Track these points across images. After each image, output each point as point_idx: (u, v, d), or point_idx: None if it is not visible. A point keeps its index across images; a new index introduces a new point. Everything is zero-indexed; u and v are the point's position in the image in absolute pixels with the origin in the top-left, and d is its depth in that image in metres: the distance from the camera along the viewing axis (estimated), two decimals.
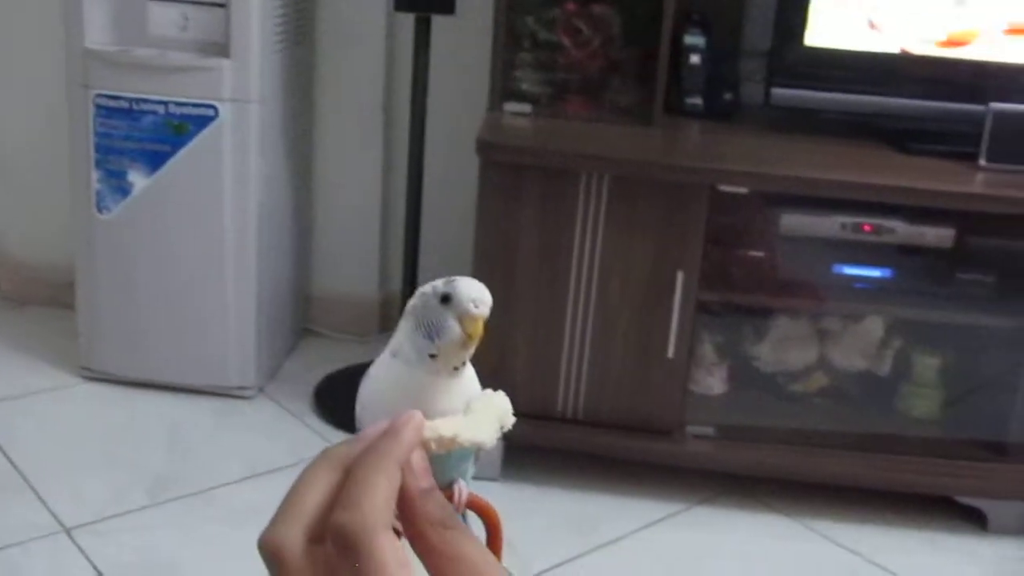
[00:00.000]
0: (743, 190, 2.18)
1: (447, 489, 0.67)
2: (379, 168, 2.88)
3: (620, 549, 2.19)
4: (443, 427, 0.59)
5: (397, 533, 0.49)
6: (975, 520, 2.33)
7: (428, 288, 0.64)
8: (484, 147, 2.19)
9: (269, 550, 0.49)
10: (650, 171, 2.19)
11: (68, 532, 2.10)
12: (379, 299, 2.98)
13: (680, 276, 2.20)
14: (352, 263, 2.95)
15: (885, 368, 2.42)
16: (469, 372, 0.66)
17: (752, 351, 2.44)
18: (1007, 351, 2.35)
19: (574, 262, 2.22)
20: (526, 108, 2.40)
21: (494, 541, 0.72)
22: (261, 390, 2.66)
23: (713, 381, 2.42)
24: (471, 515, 0.69)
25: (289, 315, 2.82)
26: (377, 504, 0.47)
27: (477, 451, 0.66)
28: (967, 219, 2.25)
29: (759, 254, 2.34)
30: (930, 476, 2.32)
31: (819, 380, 2.45)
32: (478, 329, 0.62)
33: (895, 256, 2.33)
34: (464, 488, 0.68)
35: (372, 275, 2.96)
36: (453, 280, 0.63)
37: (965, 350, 2.41)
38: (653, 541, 2.22)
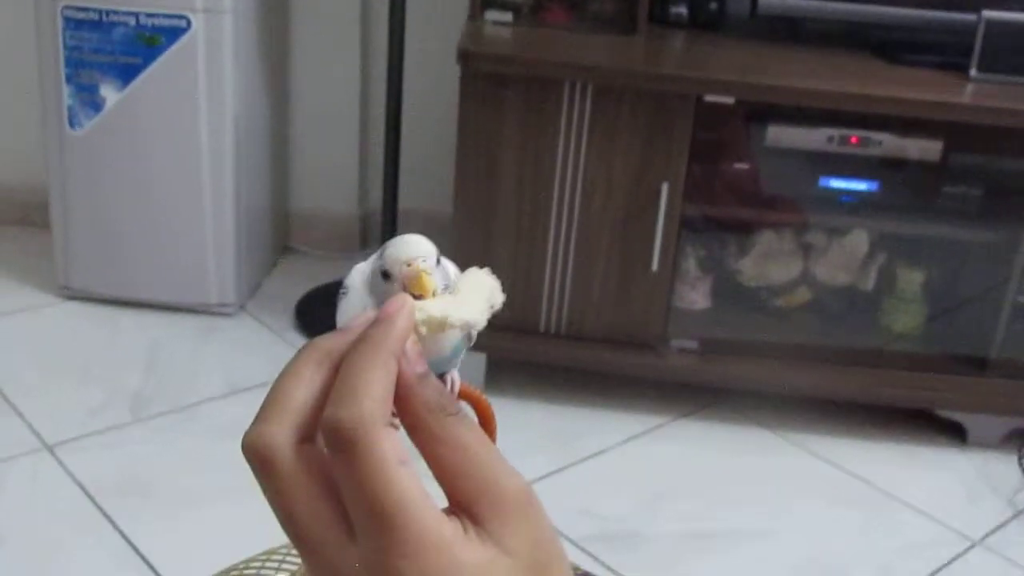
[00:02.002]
0: (729, 100, 2.14)
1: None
2: (357, 81, 2.82)
3: (603, 462, 2.19)
4: (432, 308, 0.56)
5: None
6: (955, 434, 2.34)
7: (367, 266, 0.60)
8: (465, 57, 2.14)
9: (256, 451, 0.44)
10: (634, 81, 2.15)
11: (50, 449, 2.09)
12: (359, 215, 2.94)
13: (665, 188, 2.17)
14: (331, 179, 2.91)
15: (868, 283, 2.41)
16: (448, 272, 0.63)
17: (735, 265, 2.42)
18: (991, 266, 2.34)
19: (557, 175, 2.19)
20: (507, 17, 2.35)
21: (487, 433, 0.70)
22: (242, 307, 2.64)
23: (696, 296, 2.41)
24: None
25: (268, 232, 2.79)
26: (375, 398, 0.43)
27: (468, 336, 0.64)
28: (955, 131, 2.22)
29: (744, 167, 2.31)
30: (911, 390, 2.32)
31: (802, 295, 2.44)
32: (424, 284, 0.58)
33: (881, 169, 2.30)
34: (456, 378, 0.66)
35: (352, 191, 2.92)
36: (383, 248, 0.59)
37: (949, 265, 2.40)
38: (636, 454, 2.22)
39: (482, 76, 2.16)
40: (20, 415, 2.18)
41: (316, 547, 0.43)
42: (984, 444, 2.31)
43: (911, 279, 2.38)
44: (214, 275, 2.54)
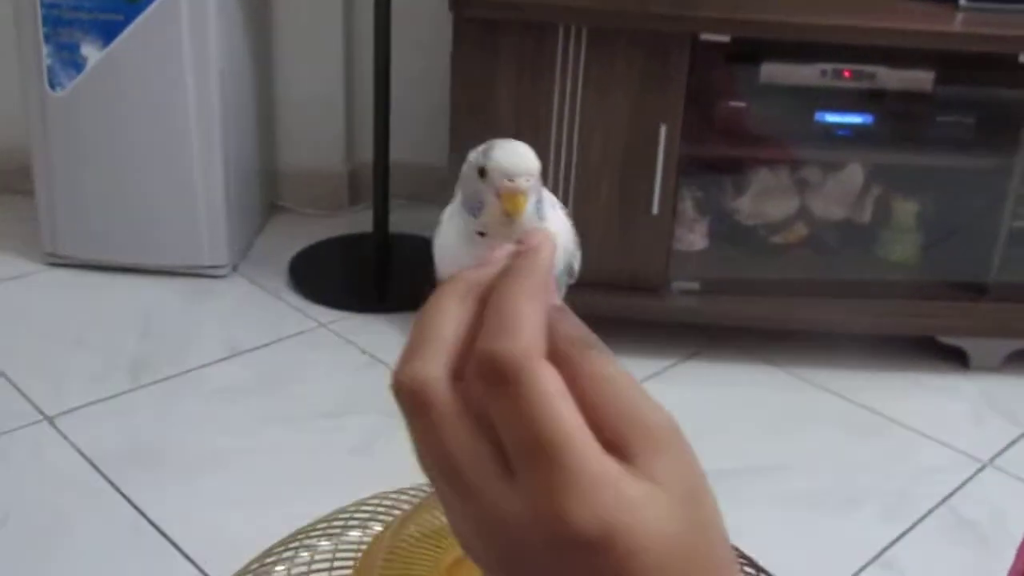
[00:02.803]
0: (724, 39, 2.13)
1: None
2: (340, 33, 2.77)
3: None
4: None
5: None
6: (957, 359, 2.36)
7: (471, 155, 0.59)
8: (458, 3, 2.11)
9: (409, 389, 0.43)
10: (629, 22, 2.12)
11: (50, 420, 2.05)
12: (347, 171, 2.91)
13: (663, 130, 2.16)
14: (317, 135, 2.86)
15: (865, 215, 2.42)
16: (558, 224, 0.62)
17: (732, 205, 2.42)
18: (985, 193, 2.36)
19: (554, 121, 2.17)
20: None
21: None
22: (234, 269, 2.60)
23: (694, 237, 2.41)
24: None
25: (257, 191, 2.75)
26: (532, 329, 0.41)
27: (570, 271, 0.63)
28: (946, 61, 2.23)
29: (740, 105, 2.30)
30: (912, 318, 2.34)
31: (799, 231, 2.44)
32: (517, 205, 0.55)
33: (875, 102, 2.31)
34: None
35: (339, 146, 2.88)
36: (491, 147, 0.57)
37: (944, 193, 2.41)
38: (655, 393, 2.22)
39: (476, 22, 2.13)
40: (16, 387, 2.14)
41: (474, 489, 0.41)
42: (986, 367, 2.34)
43: (906, 209, 2.40)
44: (205, 236, 2.50)
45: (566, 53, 2.12)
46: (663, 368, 2.31)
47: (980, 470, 2.06)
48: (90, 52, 2.32)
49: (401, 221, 2.68)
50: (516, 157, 0.56)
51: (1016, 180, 2.30)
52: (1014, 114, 2.25)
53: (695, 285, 2.32)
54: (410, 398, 0.43)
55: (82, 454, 1.97)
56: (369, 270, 2.64)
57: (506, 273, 0.46)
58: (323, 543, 0.78)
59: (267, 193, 2.85)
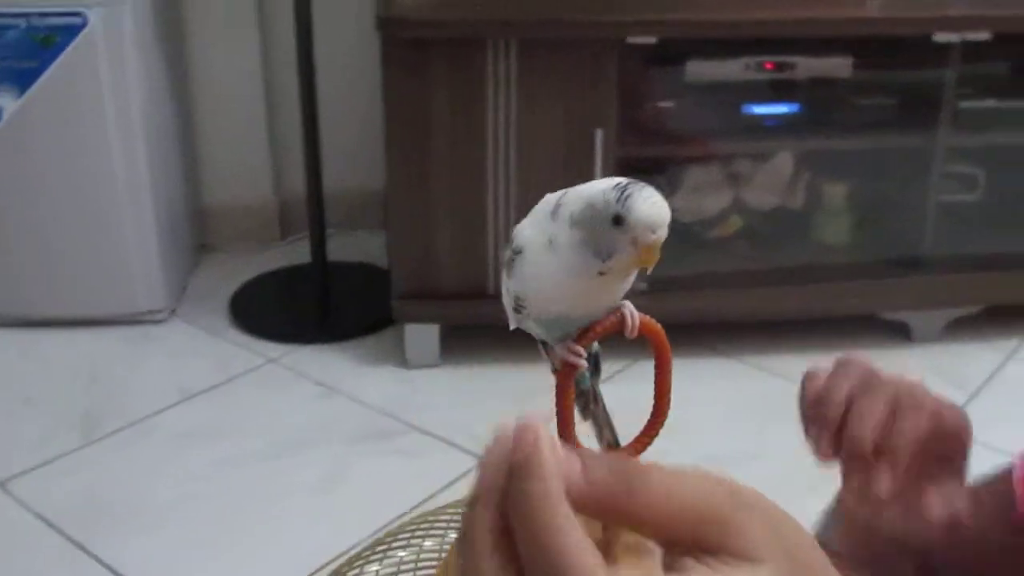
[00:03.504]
0: (651, 40, 2.16)
1: (614, 315, 0.63)
2: (258, 63, 2.73)
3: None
4: None
5: None
6: (900, 333, 2.43)
7: (597, 197, 0.57)
8: (386, 24, 2.10)
9: None
10: (557, 30, 2.14)
11: (2, 485, 1.98)
12: (277, 204, 2.86)
13: (599, 134, 2.18)
14: (242, 168, 2.82)
15: (797, 202, 2.48)
16: None
17: (669, 204, 2.45)
18: (912, 169, 2.43)
19: (490, 134, 2.17)
20: None
21: (663, 364, 0.69)
22: (172, 312, 2.54)
23: None
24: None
25: (187, 232, 2.69)
26: (577, 554, 0.40)
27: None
28: (863, 46, 2.29)
29: (670, 105, 2.34)
30: (853, 298, 2.40)
31: (735, 223, 2.49)
32: (654, 257, 0.56)
33: (799, 91, 2.36)
34: (633, 310, 0.64)
35: (265, 179, 2.83)
36: (626, 195, 0.56)
37: (872, 174, 2.48)
38: (606, 398, 2.23)
39: (403, 42, 2.12)
40: None
41: None
42: (928, 339, 2.41)
43: (837, 192, 2.46)
44: (140, 282, 2.44)
45: (497, 67, 2.13)
46: (619, 370, 2.32)
47: None
48: (6, 102, 2.26)
49: (337, 249, 2.65)
50: (657, 209, 0.55)
51: (939, 156, 2.38)
52: (932, 92, 2.33)
53: (643, 286, 2.34)
54: None
55: (40, 516, 1.91)
56: (311, 301, 2.61)
57: (517, 498, 0.42)
58: (400, 554, 0.77)
59: (196, 233, 2.79)
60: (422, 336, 2.33)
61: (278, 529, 1.89)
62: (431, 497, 1.90)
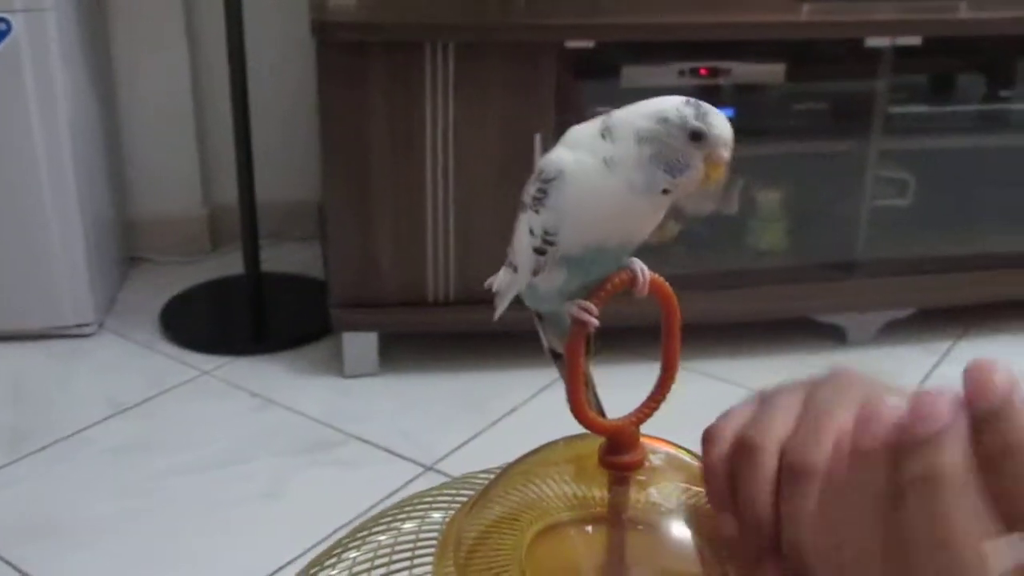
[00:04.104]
0: (589, 44, 2.17)
1: (624, 271, 0.62)
2: (186, 71, 2.68)
3: (517, 420, 2.18)
4: None
5: None
6: (835, 336, 2.45)
7: (671, 112, 0.57)
8: (321, 28, 2.07)
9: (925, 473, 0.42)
10: (494, 34, 2.14)
11: None
12: (206, 215, 2.81)
13: (538, 139, 2.17)
14: (171, 179, 2.76)
15: (732, 208, 2.49)
16: None
17: None
18: (845, 174, 2.46)
19: (428, 140, 2.16)
20: None
21: (672, 327, 0.68)
22: (101, 326, 2.47)
23: None
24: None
25: (115, 244, 2.63)
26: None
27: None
28: (796, 51, 2.32)
29: (606, 110, 2.33)
30: (788, 301, 2.42)
31: (671, 228, 2.49)
32: (721, 175, 0.58)
33: (733, 96, 2.38)
34: (645, 268, 0.63)
35: (195, 190, 2.78)
36: (703, 111, 0.57)
37: (806, 179, 2.50)
38: (545, 407, 2.22)
39: (339, 47, 2.10)
40: None
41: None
42: (862, 341, 2.44)
43: (772, 198, 2.48)
44: (67, 295, 2.37)
45: (435, 71, 2.11)
46: (558, 378, 2.31)
47: None
48: None
49: (269, 260, 2.61)
50: (730, 129, 0.56)
51: (872, 161, 2.41)
52: (864, 98, 2.36)
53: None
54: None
55: None
56: (245, 312, 2.56)
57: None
58: (380, 538, 0.75)
59: (125, 245, 2.73)
60: (360, 345, 2.29)
61: (218, 543, 1.83)
62: (374, 507, 1.87)
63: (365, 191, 2.17)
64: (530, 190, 0.60)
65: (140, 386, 2.25)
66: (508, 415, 2.19)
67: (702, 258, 2.51)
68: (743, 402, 0.57)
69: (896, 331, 2.47)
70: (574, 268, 0.61)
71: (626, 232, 0.59)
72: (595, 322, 0.61)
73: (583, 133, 0.59)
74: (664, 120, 0.56)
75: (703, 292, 2.40)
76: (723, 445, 0.55)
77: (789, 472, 0.50)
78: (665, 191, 0.57)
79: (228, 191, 2.52)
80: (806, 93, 2.38)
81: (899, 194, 2.51)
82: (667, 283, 0.67)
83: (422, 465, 2.02)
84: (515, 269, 0.64)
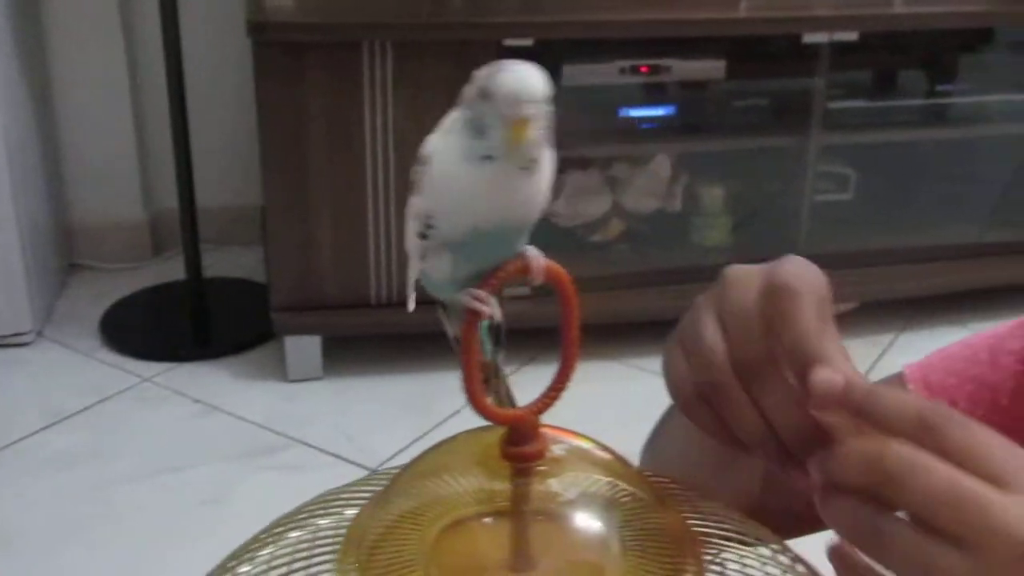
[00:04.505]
0: (528, 42, 2.16)
1: (516, 261, 0.61)
2: (124, 72, 2.64)
3: (460, 421, 2.11)
4: None
5: None
6: None
7: (478, 74, 0.55)
8: (257, 29, 2.06)
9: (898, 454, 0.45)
10: (432, 32, 2.13)
11: None
12: (147, 220, 2.77)
13: None
14: (111, 184, 2.72)
15: (676, 204, 2.50)
16: (548, 163, 0.59)
17: (549, 209, 2.44)
18: (786, 170, 2.47)
19: (367, 140, 2.14)
20: None
21: (569, 314, 0.67)
22: (39, 334, 2.43)
23: None
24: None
25: (53, 250, 2.58)
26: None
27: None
28: (735, 47, 2.33)
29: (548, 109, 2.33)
30: None
31: (616, 227, 2.49)
32: (522, 135, 0.52)
33: (674, 93, 2.39)
34: (540, 255, 0.62)
35: (135, 195, 2.74)
36: (499, 69, 0.54)
37: (748, 175, 2.51)
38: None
39: (276, 47, 2.08)
40: None
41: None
42: None
43: (714, 195, 2.48)
44: (4, 303, 2.34)
45: (373, 71, 2.10)
46: (513, 371, 2.31)
47: None
48: None
49: (212, 265, 2.59)
50: (528, 81, 0.52)
51: (813, 156, 2.43)
52: (804, 93, 2.37)
53: (525, 291, 2.32)
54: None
55: None
56: (187, 318, 2.54)
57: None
58: (294, 534, 0.74)
59: (64, 252, 2.69)
60: (303, 348, 2.28)
61: (161, 549, 1.81)
62: None
63: (305, 193, 2.16)
64: (412, 174, 0.59)
65: (80, 394, 2.22)
66: (453, 416, 2.18)
67: (647, 256, 2.52)
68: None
69: (840, 325, 2.46)
70: (459, 254, 0.60)
71: (494, 212, 0.57)
72: (487, 310, 0.60)
73: (454, 113, 0.58)
74: (471, 83, 0.54)
75: (648, 289, 2.40)
76: (691, 400, 0.59)
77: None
78: (486, 157, 0.54)
79: (170, 196, 2.49)
80: (747, 90, 2.39)
81: (841, 188, 2.53)
82: (563, 270, 0.66)
83: (367, 468, 2.01)
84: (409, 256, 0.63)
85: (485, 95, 0.52)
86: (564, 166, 2.28)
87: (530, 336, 2.35)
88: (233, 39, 2.11)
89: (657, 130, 2.43)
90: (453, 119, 0.57)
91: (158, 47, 2.33)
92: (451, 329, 0.69)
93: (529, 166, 0.57)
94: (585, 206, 2.46)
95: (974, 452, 0.44)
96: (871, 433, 0.47)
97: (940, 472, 0.43)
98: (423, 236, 0.59)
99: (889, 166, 2.59)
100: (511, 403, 0.69)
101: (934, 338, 2.53)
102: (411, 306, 0.69)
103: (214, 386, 2.27)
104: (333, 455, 2.06)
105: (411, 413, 2.17)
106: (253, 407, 2.20)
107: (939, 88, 2.55)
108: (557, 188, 2.42)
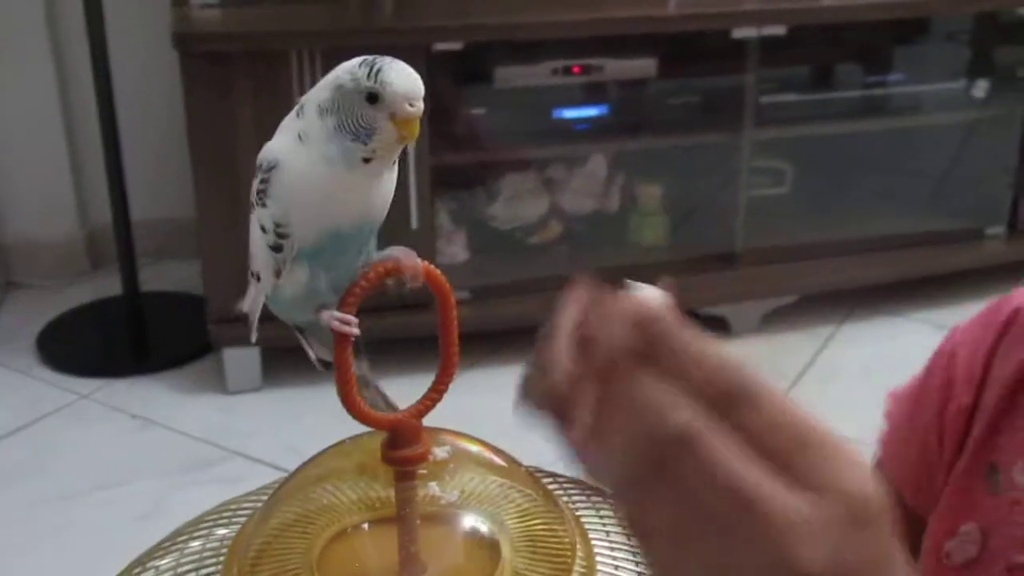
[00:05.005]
0: (457, 46, 2.16)
1: (386, 263, 0.61)
2: (54, 89, 2.61)
3: None
4: None
5: None
6: (719, 327, 2.46)
7: (344, 79, 0.55)
8: (183, 40, 2.04)
9: (679, 434, 0.39)
10: (360, 39, 2.12)
11: None
12: (83, 236, 2.74)
13: (411, 144, 2.15)
14: (43, 201, 2.68)
15: (613, 204, 2.50)
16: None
17: (487, 212, 2.45)
18: (721, 166, 2.48)
19: None
20: None
21: (447, 315, 0.67)
22: None
23: (456, 249, 2.41)
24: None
25: None
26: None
27: None
28: (667, 45, 2.33)
29: (481, 112, 2.34)
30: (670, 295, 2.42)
31: (554, 228, 2.49)
32: (415, 130, 0.55)
33: (607, 93, 2.39)
34: (413, 255, 0.62)
35: (69, 210, 2.71)
36: (376, 68, 0.54)
37: (683, 173, 2.52)
38: (433, 413, 2.20)
39: (203, 58, 2.07)
40: None
41: (765, 501, 0.39)
42: (746, 331, 2.46)
43: (650, 193, 2.49)
44: None
45: (302, 79, 2.09)
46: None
47: None
48: None
49: (150, 280, 2.56)
50: (412, 80, 0.54)
51: (746, 152, 2.44)
52: (735, 89, 2.38)
53: (465, 294, 2.32)
54: (684, 445, 0.39)
55: None
56: (124, 334, 2.51)
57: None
58: (193, 544, 0.73)
59: (0, 270, 2.65)
60: (242, 360, 2.26)
61: (98, 565, 1.78)
62: None
63: (237, 203, 2.12)
64: (255, 186, 0.58)
65: (15, 413, 2.19)
66: None
67: (586, 256, 2.52)
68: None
69: (779, 319, 2.50)
70: (315, 262, 0.60)
71: (356, 212, 0.57)
72: (355, 331, 0.60)
73: (287, 117, 0.58)
74: (339, 87, 0.55)
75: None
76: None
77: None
78: (367, 159, 0.55)
79: (105, 211, 2.46)
80: (679, 87, 2.40)
81: (776, 183, 2.54)
82: (440, 273, 0.66)
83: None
84: (258, 277, 0.62)
85: (373, 98, 0.53)
86: (501, 169, 2.29)
87: (473, 340, 2.35)
88: (162, 52, 2.08)
89: (592, 130, 2.44)
90: (304, 125, 0.57)
91: (87, 62, 2.30)
92: (314, 351, 0.69)
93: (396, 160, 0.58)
94: (522, 208, 2.46)
95: (777, 432, 0.41)
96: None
97: (725, 467, 0.39)
98: (276, 248, 0.58)
99: (825, 159, 2.61)
100: (391, 408, 0.69)
101: (874, 328, 2.56)
102: (254, 336, 0.69)
103: (152, 401, 2.24)
104: (273, 466, 2.04)
105: (351, 423, 2.15)
106: (192, 421, 2.18)
107: (873, 79, 2.57)
108: (494, 191, 2.43)
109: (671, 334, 0.42)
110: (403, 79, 0.53)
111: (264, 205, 0.57)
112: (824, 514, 0.39)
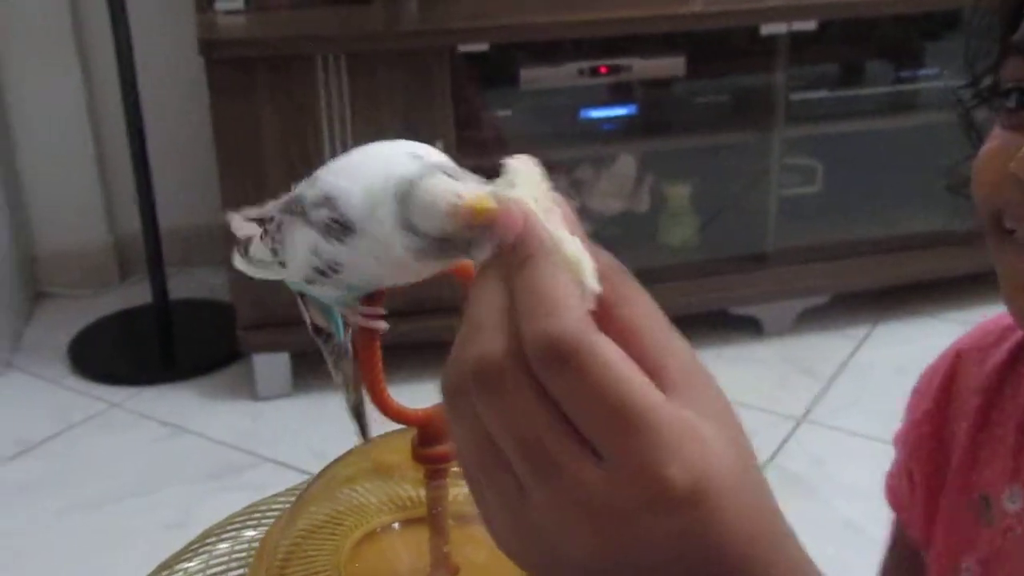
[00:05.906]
0: (483, 47, 2.15)
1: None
2: (82, 98, 2.62)
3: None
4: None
5: None
6: (751, 327, 2.44)
7: (382, 195, 0.51)
8: (208, 46, 2.04)
9: (478, 369, 0.38)
10: (385, 42, 2.12)
11: None
12: (112, 244, 2.74)
13: (439, 146, 2.12)
14: (74, 211, 2.69)
15: (642, 205, 2.48)
16: None
17: None
18: (751, 165, 2.46)
19: (326, 153, 2.12)
20: (238, 4, 2.25)
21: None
22: (8, 364, 2.40)
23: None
24: None
25: (18, 280, 2.55)
26: (575, 302, 0.39)
27: None
28: (694, 43, 2.31)
29: (507, 113, 2.32)
30: (702, 294, 2.40)
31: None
32: (482, 214, 0.45)
33: (635, 92, 2.37)
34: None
35: (99, 220, 2.71)
36: (408, 192, 0.50)
37: (713, 172, 2.50)
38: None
39: (230, 64, 2.07)
40: None
41: (557, 464, 0.38)
42: (779, 331, 2.43)
43: (680, 193, 2.46)
44: None
45: (328, 84, 2.08)
46: None
47: (796, 427, 2.13)
48: None
49: (178, 287, 2.56)
50: (445, 183, 0.52)
51: (776, 150, 2.41)
52: (764, 87, 2.36)
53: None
54: (479, 378, 0.38)
55: None
56: (153, 342, 2.51)
57: (523, 259, 0.41)
58: (221, 546, 0.72)
59: (30, 281, 2.66)
60: (272, 366, 2.25)
61: (129, 574, 1.79)
62: None
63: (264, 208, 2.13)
64: (321, 213, 0.54)
65: (47, 422, 2.20)
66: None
67: (615, 258, 2.49)
68: None
69: (813, 319, 2.46)
70: (355, 290, 0.58)
71: (409, 277, 0.55)
72: (384, 326, 0.58)
73: (379, 177, 0.53)
74: (400, 197, 0.50)
75: None
76: None
77: None
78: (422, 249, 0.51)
79: (134, 220, 2.46)
80: (708, 86, 2.38)
81: (807, 181, 2.51)
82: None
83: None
84: (282, 264, 0.60)
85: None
86: None
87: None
88: (187, 59, 2.08)
89: (620, 130, 2.42)
90: (382, 186, 0.52)
91: (113, 71, 2.31)
92: (309, 315, 0.67)
93: None
94: None
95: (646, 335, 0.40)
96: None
97: (611, 372, 0.37)
98: (321, 273, 0.56)
99: (856, 156, 2.57)
100: (357, 384, 0.68)
101: (908, 329, 2.52)
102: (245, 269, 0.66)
103: (182, 408, 2.24)
104: (302, 471, 2.03)
105: (382, 427, 2.15)
106: (221, 427, 2.18)
107: (905, 75, 2.53)
108: None
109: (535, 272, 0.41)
110: (437, 188, 0.49)
111: (341, 241, 0.53)
112: (611, 496, 0.37)
